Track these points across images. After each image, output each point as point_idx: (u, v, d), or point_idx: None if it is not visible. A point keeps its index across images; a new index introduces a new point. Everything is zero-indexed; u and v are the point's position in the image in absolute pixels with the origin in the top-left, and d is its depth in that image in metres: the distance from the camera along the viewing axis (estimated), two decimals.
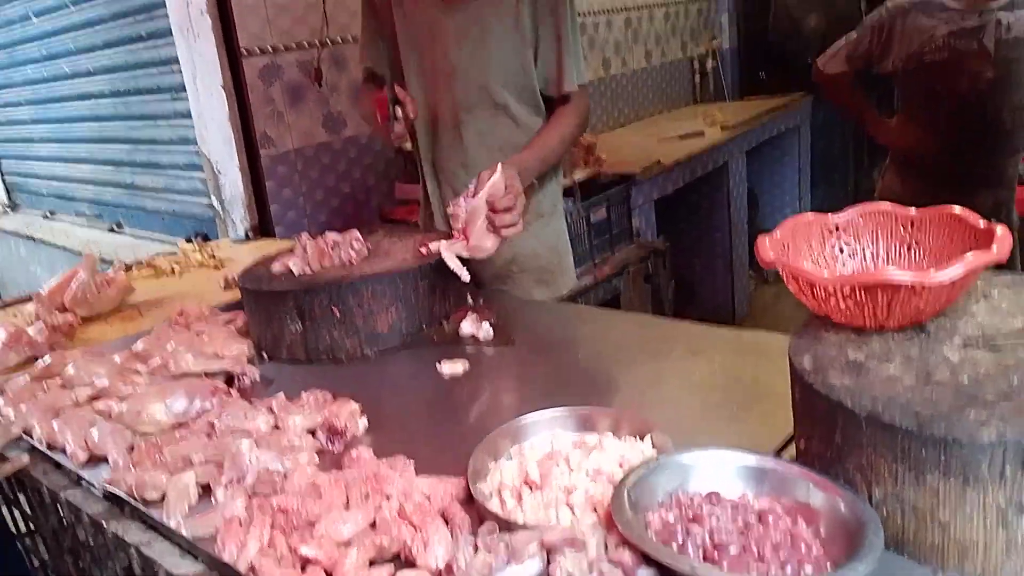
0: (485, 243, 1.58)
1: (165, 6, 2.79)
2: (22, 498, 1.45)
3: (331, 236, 1.76)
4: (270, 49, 2.72)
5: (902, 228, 1.09)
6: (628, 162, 3.50)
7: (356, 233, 1.76)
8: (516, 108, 1.91)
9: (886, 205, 1.11)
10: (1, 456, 1.35)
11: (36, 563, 1.59)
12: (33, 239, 4.07)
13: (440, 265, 1.60)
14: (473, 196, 1.58)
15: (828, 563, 0.77)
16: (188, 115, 2.94)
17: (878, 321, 0.94)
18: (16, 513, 1.56)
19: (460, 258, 1.56)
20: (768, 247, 1.03)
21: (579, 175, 3.11)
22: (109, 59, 3.37)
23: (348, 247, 1.73)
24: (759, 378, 1.24)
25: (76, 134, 3.87)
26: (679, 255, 4.18)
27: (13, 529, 1.61)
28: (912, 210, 1.08)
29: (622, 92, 4.77)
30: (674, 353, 1.37)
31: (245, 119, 2.73)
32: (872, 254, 1.11)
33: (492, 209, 1.56)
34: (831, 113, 5.14)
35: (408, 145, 2.07)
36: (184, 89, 2.90)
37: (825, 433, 0.86)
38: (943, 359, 0.87)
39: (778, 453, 1.02)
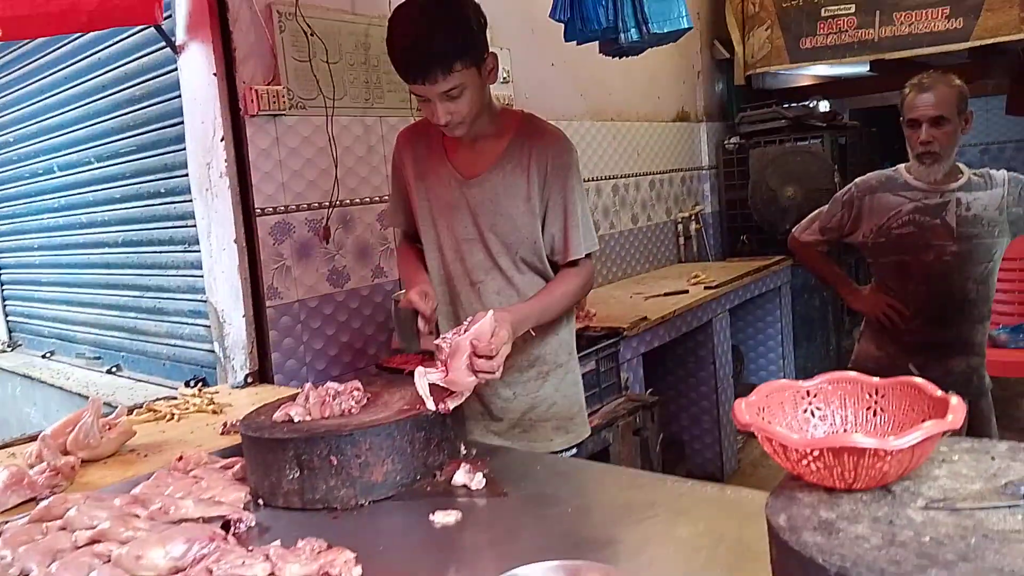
0: (463, 379, 1.67)
1: (186, 166, 3.00)
2: None
3: (332, 386, 1.84)
4: (283, 208, 2.90)
5: (868, 395, 1.19)
6: (616, 317, 3.64)
7: (356, 383, 1.84)
8: (526, 276, 2.05)
9: (852, 374, 1.21)
10: None
11: None
12: (30, 378, 4.11)
13: (437, 417, 1.67)
14: (462, 334, 1.68)
15: None
16: (198, 266, 3.09)
17: (846, 482, 1.02)
18: None
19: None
20: (744, 410, 1.12)
21: None
22: (126, 212, 3.56)
23: (348, 397, 1.80)
24: (742, 538, 1.29)
25: (84, 279, 4.00)
26: (667, 409, 4.26)
27: None
28: (875, 379, 1.18)
29: (611, 252, 5.00)
30: (660, 511, 1.43)
31: (254, 272, 2.87)
32: (841, 418, 1.20)
33: (474, 352, 1.66)
34: (810, 277, 5.38)
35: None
36: (197, 242, 3.05)
37: None
38: (907, 520, 0.95)
39: None
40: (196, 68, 2.83)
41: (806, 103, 5.94)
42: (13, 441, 2.31)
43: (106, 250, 3.76)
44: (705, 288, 4.43)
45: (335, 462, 1.60)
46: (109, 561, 1.37)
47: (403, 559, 1.37)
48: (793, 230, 3.08)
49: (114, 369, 3.79)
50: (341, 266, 3.10)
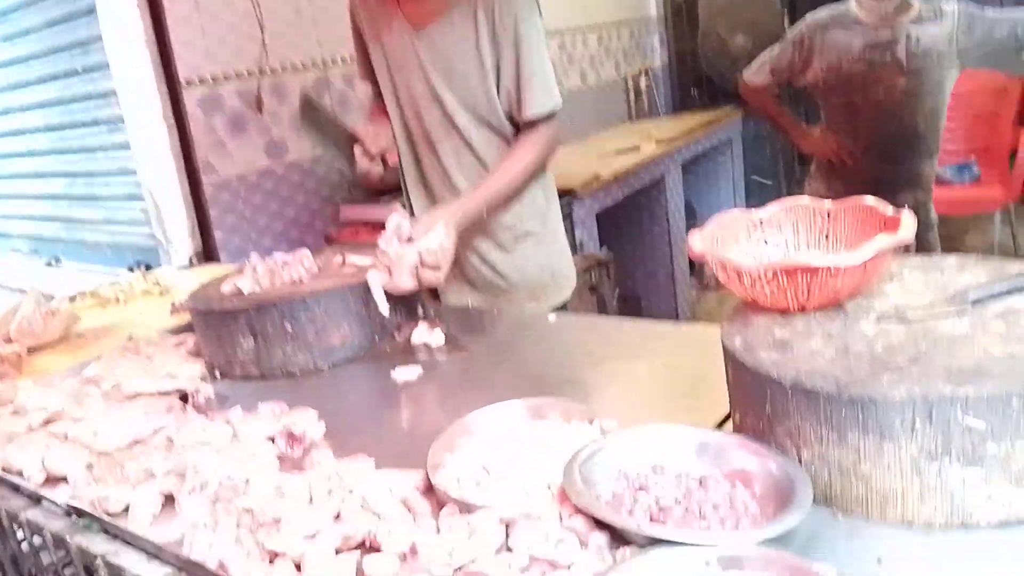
0: (405, 284, 1.61)
1: (102, 40, 2.79)
2: None
3: (280, 256, 1.79)
4: (210, 79, 2.75)
5: (820, 220, 1.18)
6: (568, 177, 3.60)
7: (306, 252, 1.80)
8: (480, 138, 1.92)
9: (805, 199, 1.20)
10: None
11: None
12: None
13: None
14: (407, 241, 1.63)
15: (763, 520, 0.83)
16: (127, 147, 2.94)
17: (800, 303, 1.02)
18: None
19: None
20: (698, 241, 1.11)
21: None
22: (44, 95, 3.34)
23: (298, 266, 1.76)
24: (698, 368, 1.31)
25: (9, 171, 3.81)
26: (622, 267, 4.28)
27: None
28: (828, 203, 1.17)
29: (560, 113, 4.87)
30: (619, 351, 1.44)
31: (186, 149, 2.74)
32: (794, 245, 1.20)
33: (421, 262, 1.62)
34: (761, 126, 5.35)
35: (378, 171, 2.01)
36: (122, 121, 2.89)
37: (757, 405, 0.93)
38: (860, 334, 0.96)
39: (717, 428, 1.09)
40: None
41: None
42: None
43: (28, 137, 3.56)
44: (657, 143, 4.39)
45: (290, 329, 1.58)
46: (67, 440, 1.35)
47: (366, 414, 1.37)
48: (743, 74, 3.03)
49: (53, 261, 3.66)
50: (279, 138, 2.98)
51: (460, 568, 0.82)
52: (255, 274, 1.75)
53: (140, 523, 1.07)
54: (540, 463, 1.00)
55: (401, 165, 2.08)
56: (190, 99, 2.70)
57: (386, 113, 2.05)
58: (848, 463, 0.84)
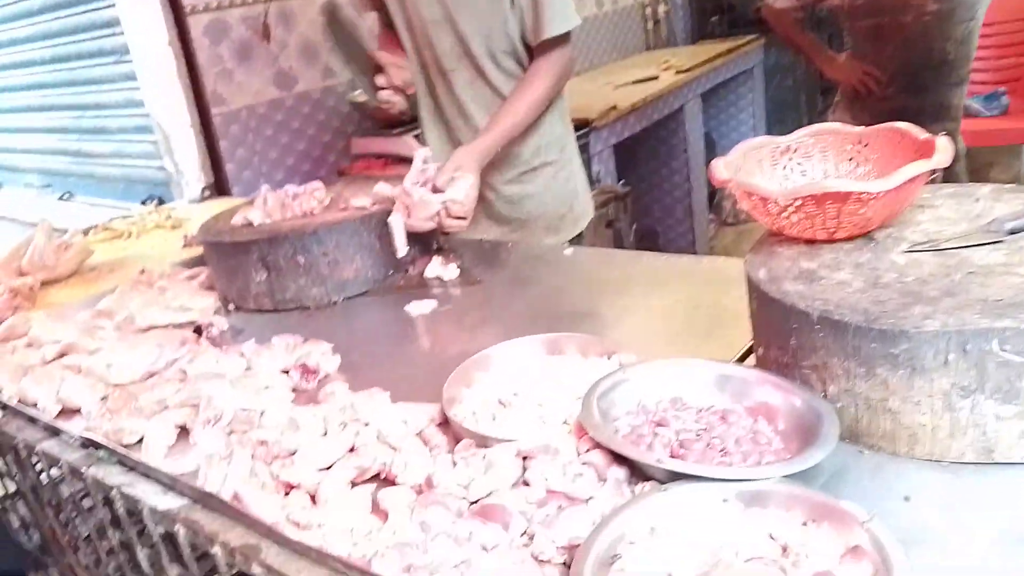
0: (424, 226, 1.60)
1: None
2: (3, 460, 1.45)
3: (291, 188, 1.76)
4: (215, 5, 2.67)
5: (850, 146, 1.13)
6: (584, 109, 3.51)
7: (317, 184, 1.76)
8: (494, 66, 1.87)
9: (834, 125, 1.15)
10: None
11: (17, 523, 1.60)
12: None
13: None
14: (432, 190, 1.61)
15: (787, 455, 0.81)
16: (134, 77, 2.87)
17: (828, 232, 0.98)
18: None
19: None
20: (722, 168, 1.06)
21: None
22: (47, 25, 3.26)
23: (310, 197, 1.73)
24: (719, 302, 1.28)
25: (18, 104, 3.76)
26: (640, 201, 4.22)
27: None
28: (858, 129, 1.12)
29: (575, 41, 4.72)
30: (637, 285, 1.41)
31: (194, 78, 2.69)
32: (822, 172, 1.15)
33: (446, 211, 1.60)
34: (783, 55, 5.19)
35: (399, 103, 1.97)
36: (128, 51, 2.82)
37: (781, 338, 0.90)
38: (890, 263, 0.92)
39: (739, 362, 1.06)
40: None
41: None
42: None
43: (35, 68, 3.49)
44: (676, 73, 4.26)
45: (302, 261, 1.56)
46: (80, 372, 1.35)
47: (381, 348, 1.35)
48: None
49: (66, 196, 3.64)
50: (287, 67, 2.90)
51: (476, 501, 0.81)
52: (265, 206, 1.72)
53: (154, 454, 1.07)
54: (557, 398, 0.98)
55: (417, 100, 2.02)
56: (196, 26, 2.63)
57: (396, 43, 1.99)
58: (876, 398, 0.82)
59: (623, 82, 4.16)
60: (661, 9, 5.51)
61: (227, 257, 1.62)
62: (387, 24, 2.02)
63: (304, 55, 2.96)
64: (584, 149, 3.15)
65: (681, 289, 1.37)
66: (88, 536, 1.26)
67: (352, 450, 0.96)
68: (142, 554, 1.10)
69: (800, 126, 1.18)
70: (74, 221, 3.19)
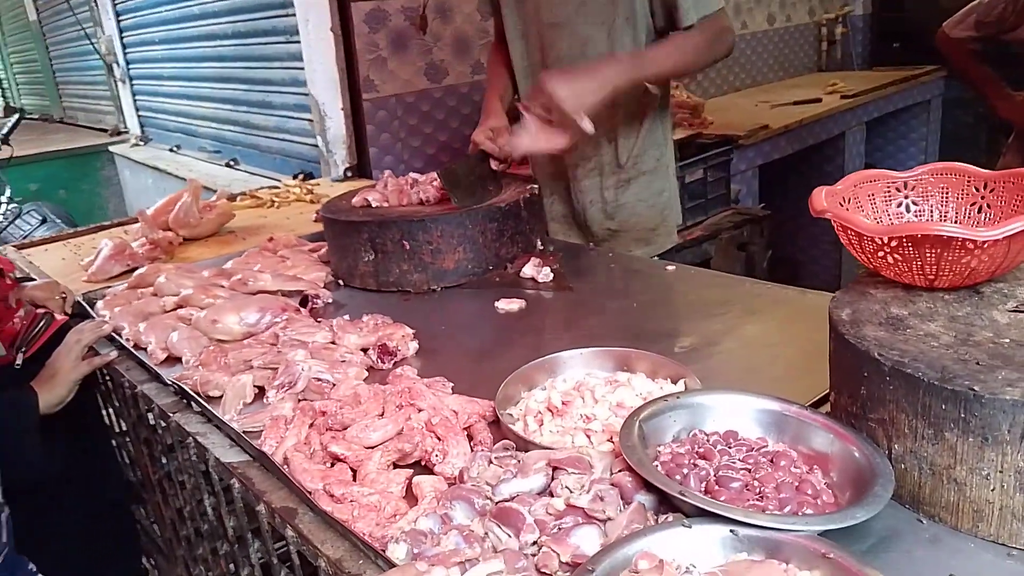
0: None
1: None
2: (114, 398, 1.58)
3: (412, 176, 1.81)
4: None
5: (975, 189, 1.03)
6: (734, 125, 3.40)
7: (435, 175, 1.80)
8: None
9: (958, 164, 1.05)
10: (93, 350, 1.48)
11: (127, 459, 1.74)
12: (159, 170, 4.34)
13: (511, 210, 1.62)
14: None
15: (831, 509, 0.75)
16: (299, 57, 3.06)
17: (927, 279, 0.90)
18: (111, 412, 1.71)
19: None
20: (823, 197, 1.00)
21: (679, 135, 3.05)
22: (232, 1, 3.53)
23: (428, 186, 1.77)
24: (813, 338, 1.19)
25: (201, 73, 4.08)
26: (782, 227, 4.04)
27: (112, 426, 1.76)
28: (985, 171, 1.02)
29: (739, 56, 4.61)
30: (732, 310, 1.35)
31: (350, 63, 2.82)
32: (941, 214, 1.05)
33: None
34: (966, 89, 4.81)
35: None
36: (297, 32, 3.00)
37: (852, 385, 0.84)
38: (989, 321, 0.84)
39: (814, 406, 1.00)
40: None
41: None
42: (126, 220, 2.45)
43: (217, 42, 3.78)
44: (841, 98, 4.05)
45: (407, 247, 1.60)
46: (189, 324, 1.45)
47: (461, 339, 1.37)
48: (943, 25, 2.70)
49: (232, 163, 3.92)
50: (439, 60, 2.99)
51: (499, 502, 0.81)
52: (385, 189, 1.78)
53: (229, 409, 1.13)
54: (609, 413, 0.96)
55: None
56: (357, 13, 2.76)
57: (506, 54, 1.98)
58: (942, 464, 0.74)
59: (782, 102, 4.00)
60: (838, 31, 5.25)
61: (340, 235, 1.69)
62: (500, 34, 2.00)
63: (457, 49, 3.03)
64: (724, 167, 3.05)
65: (777, 320, 1.31)
66: (170, 477, 1.35)
67: (400, 433, 0.97)
68: (208, 501, 1.16)
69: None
70: (235, 185, 3.45)
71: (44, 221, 3.97)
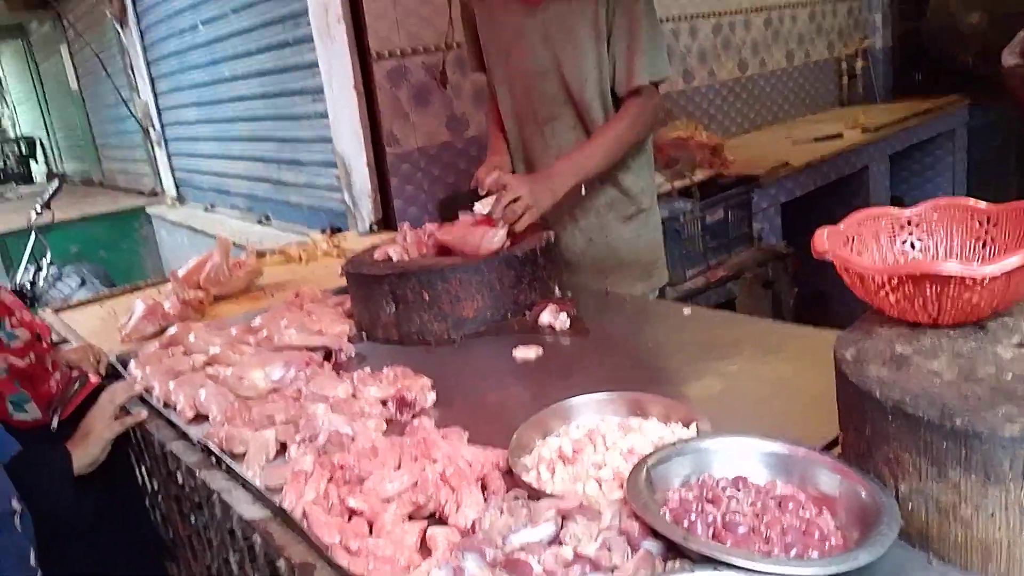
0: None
1: (308, 14, 3.01)
2: (146, 456, 1.62)
3: (429, 227, 1.86)
4: (398, 52, 2.87)
5: (978, 223, 1.04)
6: (754, 163, 3.42)
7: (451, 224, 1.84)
8: (595, 110, 1.92)
9: (961, 199, 1.06)
10: (125, 410, 1.52)
11: (159, 518, 1.77)
12: (194, 229, 4.47)
13: (528, 257, 1.66)
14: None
15: (839, 551, 0.75)
16: (326, 115, 3.15)
17: (930, 316, 0.90)
18: (144, 471, 1.75)
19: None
20: (824, 238, 1.01)
21: (699, 175, 3.07)
22: (261, 64, 3.66)
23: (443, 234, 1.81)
24: (830, 376, 1.20)
25: (233, 133, 4.21)
26: (809, 262, 4.01)
27: (145, 485, 1.79)
28: (987, 205, 1.03)
29: (759, 93, 4.64)
30: (747, 350, 1.36)
31: (373, 118, 2.90)
32: (946, 250, 1.06)
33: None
34: (991, 116, 4.78)
35: None
36: (323, 91, 3.10)
37: (858, 425, 0.85)
38: (993, 356, 0.84)
39: (826, 448, 1.00)
40: None
41: None
42: (159, 281, 2.53)
43: (248, 104, 3.91)
44: (862, 132, 4.05)
45: (427, 297, 1.63)
46: (217, 382, 1.49)
47: (479, 388, 1.39)
48: (1004, 50, 2.69)
49: (263, 219, 4.02)
50: (460, 112, 3.06)
51: (510, 553, 0.82)
52: (405, 242, 1.83)
53: (253, 465, 1.16)
54: (625, 459, 0.97)
55: (510, 148, 2.09)
56: (379, 71, 2.84)
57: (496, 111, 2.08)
58: (947, 503, 0.74)
59: (803, 138, 4.01)
60: (858, 64, 5.26)
61: (363, 288, 1.73)
62: (492, 88, 2.10)
63: (477, 100, 3.10)
64: (745, 206, 3.06)
65: (792, 359, 1.31)
66: (199, 533, 1.38)
67: (416, 484, 0.99)
68: (232, 558, 1.19)
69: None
70: (266, 241, 3.54)
71: (83, 283, 4.10)
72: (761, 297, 3.02)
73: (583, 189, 1.91)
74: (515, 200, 1.70)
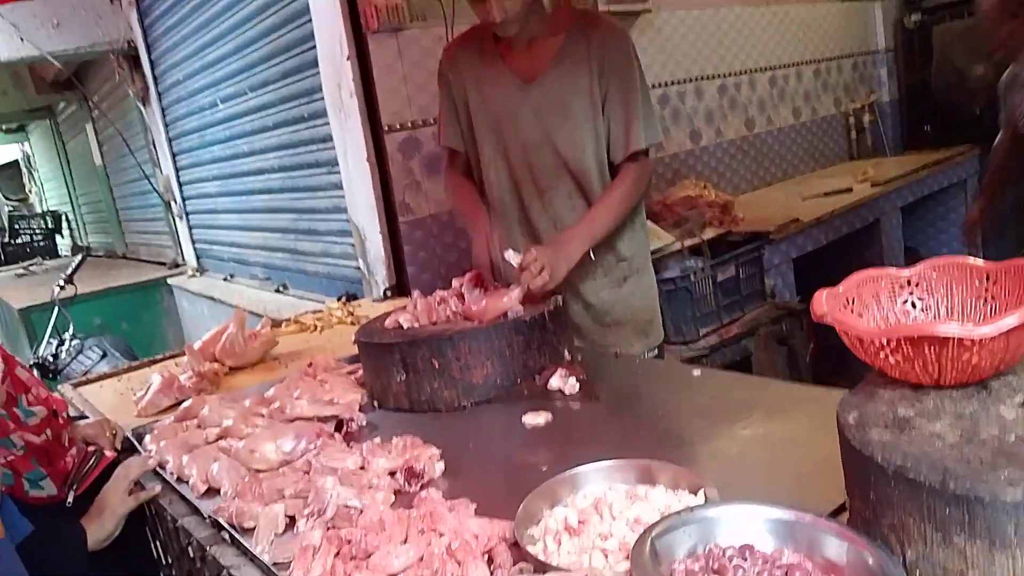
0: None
1: (322, 90, 3.10)
2: (159, 531, 1.62)
3: (439, 293, 1.88)
4: (409, 124, 2.94)
5: (978, 282, 1.04)
6: (764, 220, 3.44)
7: (459, 288, 1.87)
8: (595, 176, 1.98)
9: (960, 258, 1.06)
10: (140, 485, 1.53)
11: None
12: (214, 299, 4.53)
13: (536, 321, 1.67)
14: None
15: None
16: (340, 186, 3.22)
17: (931, 377, 0.90)
18: (158, 545, 1.75)
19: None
20: (823, 301, 1.02)
21: (709, 233, 3.09)
22: (278, 138, 3.76)
23: (452, 298, 1.83)
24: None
25: (251, 205, 4.31)
26: None
27: (159, 558, 1.79)
28: (986, 264, 1.03)
29: (767, 151, 4.69)
30: (758, 412, 1.35)
31: (386, 188, 2.96)
32: (947, 310, 1.06)
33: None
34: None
35: None
36: (337, 163, 3.18)
37: (863, 490, 0.84)
38: (996, 417, 0.83)
39: (835, 514, 0.99)
40: None
41: None
42: (177, 353, 2.56)
43: (266, 176, 4.01)
44: (872, 186, 4.07)
45: (437, 364, 1.64)
46: (230, 455, 1.50)
47: (488, 456, 1.40)
48: None
49: (281, 288, 4.08)
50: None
51: None
52: (415, 310, 1.84)
53: (262, 541, 1.16)
54: (631, 529, 0.96)
55: (505, 216, 2.11)
56: (391, 143, 2.91)
57: (468, 177, 2.12)
58: (955, 570, 0.73)
59: (813, 193, 4.03)
60: (866, 118, 5.32)
61: (374, 357, 1.75)
62: (463, 159, 2.14)
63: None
64: (756, 263, 3.07)
65: (802, 422, 1.30)
66: None
67: (421, 559, 0.99)
68: None
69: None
70: (284, 310, 3.58)
71: (104, 355, 4.15)
72: (777, 353, 3.00)
73: (591, 254, 1.95)
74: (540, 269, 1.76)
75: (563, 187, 2.00)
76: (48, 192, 11.75)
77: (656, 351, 2.12)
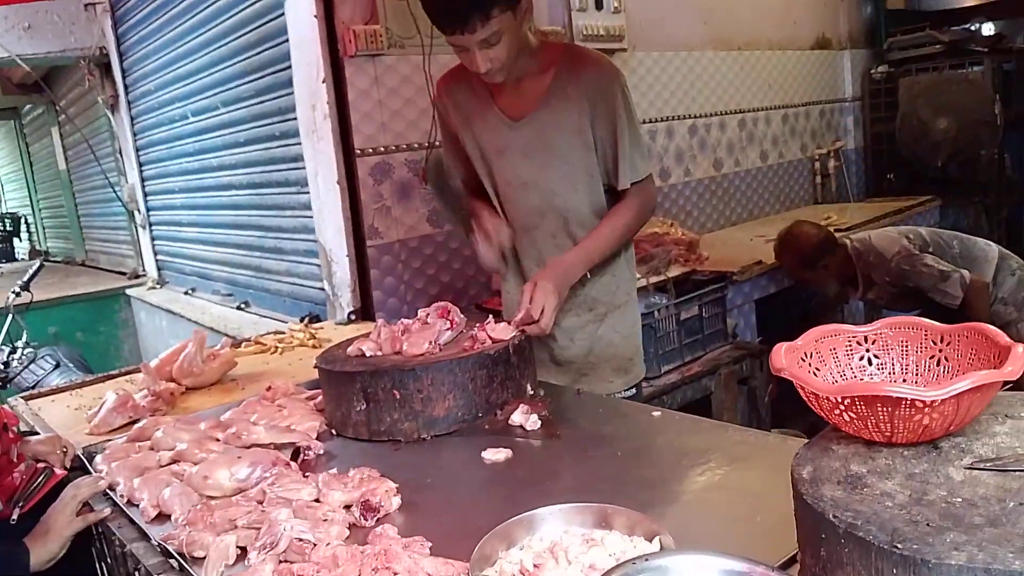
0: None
1: (295, 110, 3.10)
2: (107, 554, 1.59)
3: (404, 322, 1.87)
4: (382, 149, 2.95)
5: (932, 342, 1.07)
6: (728, 260, 3.49)
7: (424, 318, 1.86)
8: (585, 213, 1.98)
9: (916, 319, 1.09)
10: (89, 506, 1.49)
11: None
12: (173, 313, 4.46)
13: (500, 356, 1.67)
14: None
15: None
16: (309, 207, 3.21)
17: (884, 435, 0.92)
18: (104, 568, 1.71)
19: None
20: (781, 355, 1.04)
21: (674, 271, 3.13)
22: (248, 155, 3.74)
23: (418, 336, 1.82)
24: None
25: (217, 220, 4.27)
26: None
27: None
28: (941, 325, 1.06)
29: (734, 192, 4.77)
30: (715, 458, 1.36)
31: (356, 211, 2.95)
32: (902, 367, 1.09)
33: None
34: (961, 218, 4.93)
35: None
36: (307, 183, 3.17)
37: (814, 546, 0.85)
38: (944, 478, 0.85)
39: (786, 565, 1.00)
40: (300, 11, 2.89)
41: (967, 26, 5.38)
42: (132, 369, 2.52)
43: (234, 192, 3.98)
44: (835, 231, 4.15)
45: (398, 396, 1.64)
46: (182, 480, 1.47)
47: (444, 491, 1.39)
48: None
49: (243, 305, 4.03)
50: (441, 207, 3.12)
51: None
52: (379, 338, 1.84)
53: (212, 572, 1.14)
54: (580, 574, 0.96)
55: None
56: (363, 167, 2.91)
57: (482, 197, 2.13)
58: None
59: (776, 236, 4.09)
60: (831, 164, 5.44)
61: (334, 385, 1.74)
62: (469, 178, 2.17)
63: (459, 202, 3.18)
64: (719, 303, 3.11)
65: (759, 469, 1.32)
66: None
67: None
68: None
69: None
70: (245, 328, 3.54)
71: (58, 365, 4.04)
72: (737, 393, 3.04)
73: (587, 275, 1.97)
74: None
75: (547, 226, 2.00)
76: (8, 194, 11.52)
77: (634, 388, 2.11)
